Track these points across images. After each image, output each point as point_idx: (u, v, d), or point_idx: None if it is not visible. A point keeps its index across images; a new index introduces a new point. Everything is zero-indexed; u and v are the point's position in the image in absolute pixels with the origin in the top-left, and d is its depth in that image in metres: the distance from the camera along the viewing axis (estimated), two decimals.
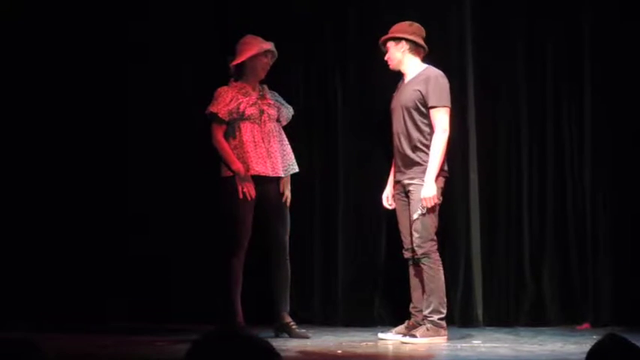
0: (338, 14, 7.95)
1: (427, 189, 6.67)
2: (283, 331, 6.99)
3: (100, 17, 7.94)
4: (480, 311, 7.72)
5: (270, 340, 2.42)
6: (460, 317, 7.70)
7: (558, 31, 7.82)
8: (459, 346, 6.57)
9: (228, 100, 6.92)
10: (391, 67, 6.92)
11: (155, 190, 7.89)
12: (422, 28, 6.91)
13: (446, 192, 7.36)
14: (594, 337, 6.57)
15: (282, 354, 2.42)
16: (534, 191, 7.82)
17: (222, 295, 6.94)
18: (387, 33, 6.93)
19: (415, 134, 6.76)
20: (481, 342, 6.74)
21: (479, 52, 7.81)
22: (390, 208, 7.01)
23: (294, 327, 6.98)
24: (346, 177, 7.91)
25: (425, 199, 6.66)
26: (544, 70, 7.83)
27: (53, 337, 6.36)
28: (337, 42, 7.94)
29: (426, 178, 6.67)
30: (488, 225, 7.79)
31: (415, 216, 6.72)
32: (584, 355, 2.66)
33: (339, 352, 6.25)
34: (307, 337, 6.91)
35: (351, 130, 7.92)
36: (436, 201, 6.70)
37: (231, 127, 6.93)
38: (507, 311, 7.76)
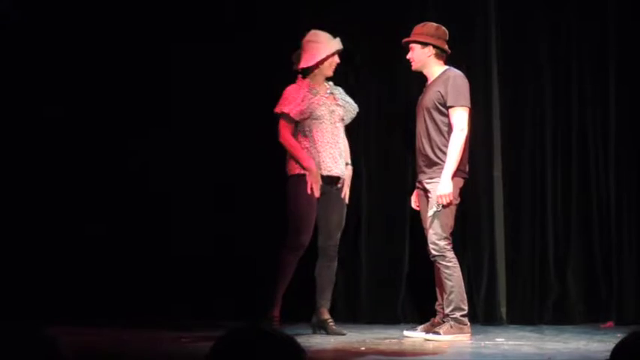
0: (362, 15, 7.94)
1: (443, 186, 6.68)
2: (321, 327, 6.99)
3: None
4: (503, 309, 7.71)
5: (295, 336, 2.42)
6: (484, 315, 7.70)
7: (583, 31, 7.80)
8: (482, 343, 6.57)
9: (299, 99, 6.89)
10: (414, 67, 6.94)
11: (193, 185, 7.90)
12: (446, 31, 6.91)
13: (470, 190, 7.36)
14: (618, 335, 6.51)
15: (306, 350, 2.43)
16: (559, 190, 7.81)
17: (268, 285, 6.91)
18: (410, 33, 6.93)
19: (435, 135, 6.78)
20: (505, 340, 6.74)
21: (504, 51, 7.80)
22: (416, 209, 7.04)
23: (331, 324, 6.98)
24: (371, 176, 7.92)
25: (440, 196, 6.67)
26: (569, 70, 7.81)
27: (74, 332, 6.37)
28: (362, 43, 7.93)
29: (442, 176, 6.68)
30: (513, 223, 7.79)
31: (430, 212, 6.73)
32: (609, 354, 2.65)
33: (363, 348, 6.26)
34: (343, 335, 6.91)
35: (375, 130, 7.93)
36: (451, 199, 6.69)
37: (302, 126, 6.91)
38: (531, 309, 7.75)
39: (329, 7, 7.85)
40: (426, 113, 6.81)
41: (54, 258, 7.87)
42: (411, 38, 6.90)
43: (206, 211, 7.91)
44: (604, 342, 6.49)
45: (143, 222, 7.92)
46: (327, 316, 7.01)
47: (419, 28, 6.92)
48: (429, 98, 6.81)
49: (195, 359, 5.35)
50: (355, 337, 6.82)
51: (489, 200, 7.75)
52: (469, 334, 6.76)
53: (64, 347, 2.40)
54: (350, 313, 7.85)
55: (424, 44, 6.86)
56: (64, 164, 7.93)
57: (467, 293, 6.90)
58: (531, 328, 7.44)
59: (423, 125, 6.83)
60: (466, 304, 6.79)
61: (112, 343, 6.41)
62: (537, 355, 6.02)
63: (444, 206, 6.68)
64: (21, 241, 7.87)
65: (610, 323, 7.60)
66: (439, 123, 6.78)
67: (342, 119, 7.05)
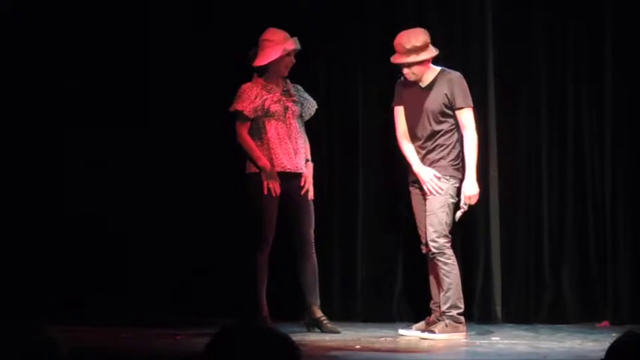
0: (359, 16, 7.94)
1: (471, 187, 6.76)
2: (315, 325, 6.99)
3: (121, 13, 7.96)
4: (499, 308, 7.70)
5: (290, 334, 2.41)
6: (479, 314, 7.70)
7: (579, 31, 7.79)
8: (477, 342, 6.57)
9: (252, 97, 6.91)
10: (415, 79, 6.83)
11: (179, 186, 7.88)
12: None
13: None
14: (613, 334, 6.53)
15: (301, 347, 2.42)
16: (554, 189, 7.80)
17: (247, 290, 6.95)
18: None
19: (439, 136, 6.81)
20: (500, 339, 6.74)
21: (499, 52, 7.78)
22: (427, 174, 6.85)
23: (325, 322, 6.98)
24: (366, 173, 7.91)
25: (469, 196, 6.76)
26: (565, 70, 7.80)
27: (71, 330, 6.36)
28: (358, 42, 7.92)
29: (467, 176, 6.74)
30: (508, 222, 7.78)
31: (458, 214, 6.77)
32: (604, 353, 2.66)
33: (358, 346, 6.26)
34: (338, 332, 6.91)
35: (371, 128, 7.91)
36: (477, 199, 6.78)
37: (256, 124, 6.93)
38: (526, 308, 7.75)
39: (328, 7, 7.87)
40: (431, 115, 6.81)
41: (53, 257, 7.87)
42: (419, 58, 6.70)
43: (203, 212, 7.90)
44: (599, 341, 6.49)
45: (141, 221, 7.91)
46: (319, 314, 7.01)
47: (407, 41, 6.70)
48: (435, 101, 6.79)
49: (189, 357, 5.35)
50: (350, 336, 6.82)
51: (485, 200, 7.73)
52: (464, 333, 6.76)
53: (63, 346, 2.40)
54: (345, 312, 7.84)
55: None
56: (63, 165, 7.93)
57: (462, 292, 6.90)
58: (526, 327, 7.43)
59: (428, 127, 6.83)
60: (462, 302, 6.79)
61: (108, 341, 6.40)
62: (532, 354, 6.03)
63: (470, 206, 6.76)
64: (20, 241, 7.87)
65: (605, 322, 7.60)
66: (443, 124, 6.81)
67: (301, 116, 7.05)
